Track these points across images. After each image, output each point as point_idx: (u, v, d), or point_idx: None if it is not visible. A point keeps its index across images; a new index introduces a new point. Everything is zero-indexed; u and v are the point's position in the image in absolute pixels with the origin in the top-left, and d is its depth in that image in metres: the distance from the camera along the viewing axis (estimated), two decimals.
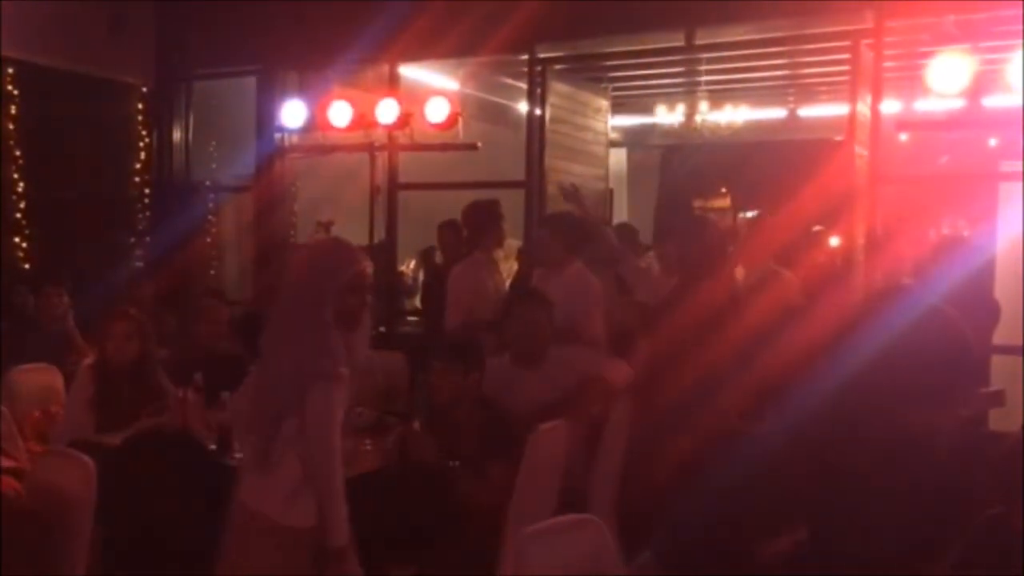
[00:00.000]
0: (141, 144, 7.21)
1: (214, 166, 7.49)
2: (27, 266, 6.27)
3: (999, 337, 4.49)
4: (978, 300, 4.18)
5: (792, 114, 8.85)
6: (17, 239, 6.28)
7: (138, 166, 7.20)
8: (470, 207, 5.11)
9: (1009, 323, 4.50)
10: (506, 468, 3.22)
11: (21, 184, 6.28)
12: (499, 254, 5.39)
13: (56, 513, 2.68)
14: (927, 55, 4.99)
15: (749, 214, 6.63)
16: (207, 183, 7.42)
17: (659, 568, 2.01)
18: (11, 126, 6.24)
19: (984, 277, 4.54)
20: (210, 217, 7.40)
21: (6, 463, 2.59)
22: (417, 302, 7.39)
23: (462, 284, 4.84)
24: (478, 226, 5.08)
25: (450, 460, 3.28)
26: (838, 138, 6.02)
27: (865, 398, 1.96)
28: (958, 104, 5.08)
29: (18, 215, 6.28)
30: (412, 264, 7.83)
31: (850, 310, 2.16)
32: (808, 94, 8.34)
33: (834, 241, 5.52)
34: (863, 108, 5.28)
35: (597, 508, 3.14)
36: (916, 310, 2.00)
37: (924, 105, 5.83)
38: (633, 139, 9.88)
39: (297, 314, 2.53)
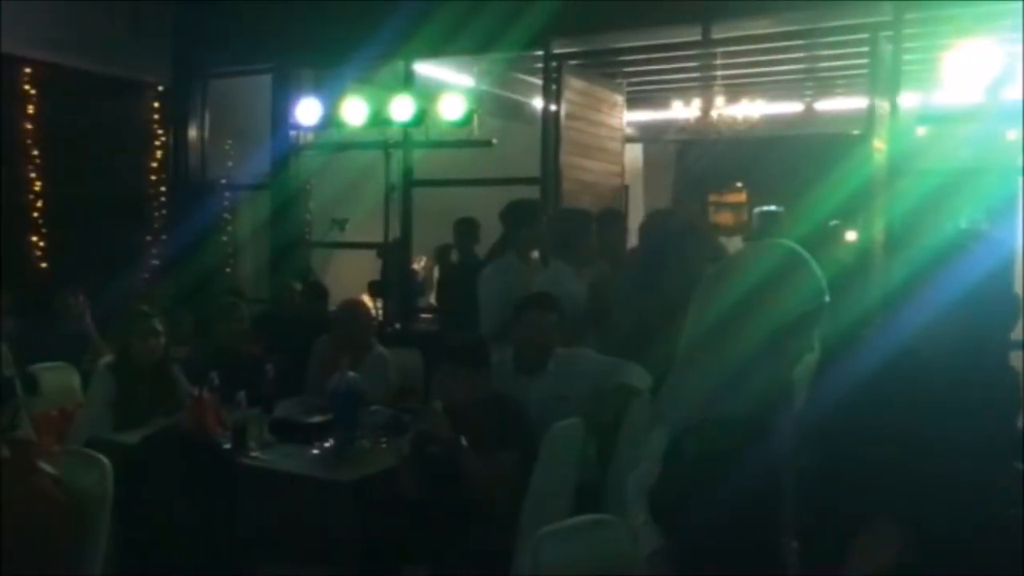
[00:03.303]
0: (157, 143, 7.25)
1: (230, 164, 7.51)
2: (44, 265, 6.32)
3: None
4: (998, 295, 4.12)
5: (809, 108, 8.80)
6: (35, 238, 6.32)
7: (154, 165, 7.24)
8: (508, 205, 4.90)
9: None
10: (515, 458, 3.21)
11: (38, 183, 6.32)
12: (535, 255, 5.27)
13: (74, 513, 2.68)
14: (946, 48, 4.93)
15: (767, 209, 6.58)
16: (223, 181, 7.44)
17: (673, 564, 1.97)
18: (28, 125, 6.28)
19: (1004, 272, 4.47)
20: (226, 215, 7.43)
21: (48, 469, 2.61)
22: (431, 299, 7.40)
23: (492, 288, 4.62)
24: (513, 225, 4.86)
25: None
26: (855, 132, 5.97)
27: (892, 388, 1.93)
28: (978, 97, 5.02)
29: (35, 214, 6.32)
30: (423, 262, 7.84)
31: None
32: (825, 88, 8.29)
33: (851, 235, 5.47)
34: (881, 102, 5.23)
35: (614, 506, 3.11)
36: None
37: (943, 98, 5.77)
38: (649, 134, 9.85)
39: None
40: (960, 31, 5.06)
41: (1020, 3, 4.72)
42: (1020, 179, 5.56)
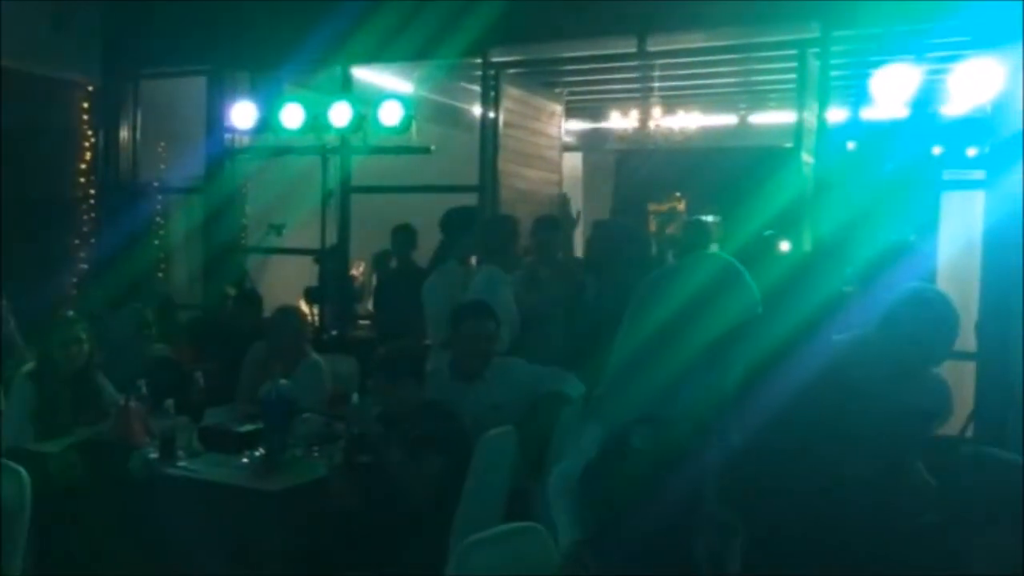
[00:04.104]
0: (86, 144, 7.05)
1: (162, 167, 7.35)
2: None
3: None
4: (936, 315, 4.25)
5: (743, 120, 8.98)
6: None
7: (83, 166, 7.03)
8: (447, 213, 4.92)
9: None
10: (442, 462, 3.21)
11: None
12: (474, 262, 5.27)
13: None
14: (874, 65, 5.07)
15: (696, 218, 6.71)
16: (155, 184, 7.27)
17: (598, 553, 1.98)
18: None
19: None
20: (158, 219, 7.27)
21: None
22: (368, 306, 7.35)
23: (436, 297, 4.63)
24: (452, 233, 4.88)
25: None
26: (788, 145, 6.10)
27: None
28: (903, 113, 5.18)
29: None
30: (361, 268, 7.78)
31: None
32: (758, 101, 8.47)
33: (784, 246, 5.59)
34: (809, 116, 5.36)
35: (544, 513, 3.13)
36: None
37: (872, 114, 5.93)
38: (588, 143, 9.94)
39: None
40: (886, 49, 5.21)
41: (946, 22, 4.90)
42: (943, 194, 5.75)
